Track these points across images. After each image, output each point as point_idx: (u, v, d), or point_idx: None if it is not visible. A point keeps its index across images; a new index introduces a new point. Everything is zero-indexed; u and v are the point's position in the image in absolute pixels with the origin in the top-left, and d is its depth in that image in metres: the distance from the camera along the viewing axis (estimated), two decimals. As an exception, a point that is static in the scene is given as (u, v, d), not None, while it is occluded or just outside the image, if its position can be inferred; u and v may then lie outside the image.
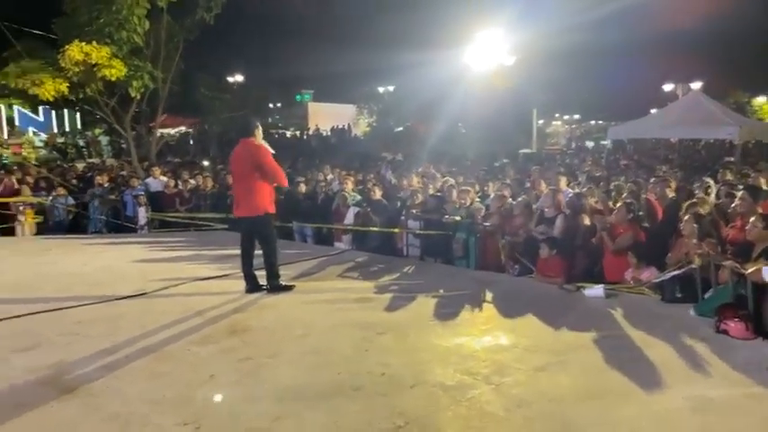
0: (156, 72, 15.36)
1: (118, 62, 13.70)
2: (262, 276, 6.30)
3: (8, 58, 14.81)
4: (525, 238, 7.27)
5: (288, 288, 6.27)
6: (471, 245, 7.73)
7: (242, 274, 6.32)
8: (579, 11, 22.78)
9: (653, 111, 24.78)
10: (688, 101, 16.31)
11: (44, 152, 24.75)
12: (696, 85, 25.28)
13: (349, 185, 9.76)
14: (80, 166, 18.21)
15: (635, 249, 6.21)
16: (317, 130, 36.58)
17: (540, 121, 39.44)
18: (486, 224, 7.71)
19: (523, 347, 4.57)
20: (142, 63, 14.82)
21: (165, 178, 12.92)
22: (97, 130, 26.11)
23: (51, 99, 14.48)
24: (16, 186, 11.96)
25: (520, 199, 7.98)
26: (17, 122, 28.71)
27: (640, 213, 6.76)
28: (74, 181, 13.69)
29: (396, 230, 8.53)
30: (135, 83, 14.47)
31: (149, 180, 12.90)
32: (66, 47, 13.37)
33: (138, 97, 15.57)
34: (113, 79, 13.99)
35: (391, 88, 39.50)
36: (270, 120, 37.06)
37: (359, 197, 9.44)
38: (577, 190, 8.50)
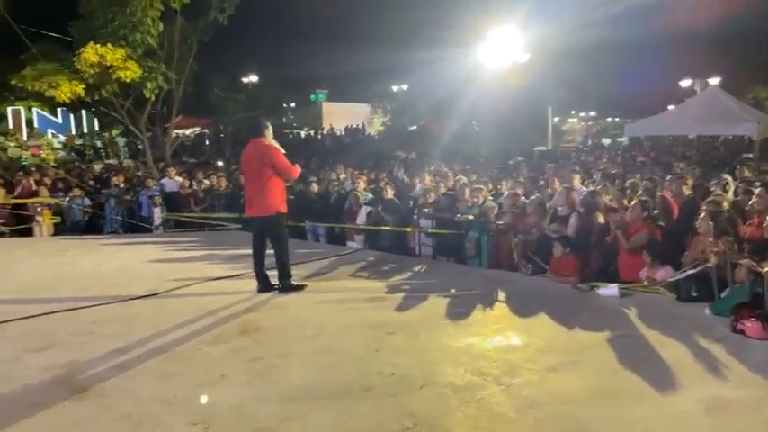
0: (170, 73, 15.48)
1: (132, 64, 13.83)
2: (274, 276, 6.31)
3: (25, 60, 14.98)
4: (538, 236, 7.21)
5: (299, 288, 6.28)
6: (484, 244, 7.68)
7: (254, 274, 6.34)
8: (594, 7, 22.54)
9: (670, 107, 24.46)
10: (706, 97, 16.05)
11: (62, 153, 25.10)
12: (714, 81, 24.91)
13: (361, 185, 9.76)
14: (97, 167, 18.42)
15: (650, 248, 6.12)
16: (331, 129, 36.62)
17: (556, 119, 39.14)
18: (499, 223, 7.67)
19: (535, 347, 4.52)
20: (156, 65, 14.95)
21: (179, 179, 13.03)
22: (114, 132, 26.40)
23: (67, 101, 14.64)
24: (34, 188, 12.14)
25: (533, 197, 7.92)
26: (36, 124, 29.16)
27: (655, 212, 6.67)
28: (91, 182, 13.84)
29: (408, 230, 8.50)
30: (149, 84, 14.61)
31: (165, 180, 13.01)
32: (82, 49, 13.53)
33: (153, 98, 15.70)
34: (128, 81, 14.12)
35: (405, 87, 39.42)
36: (284, 120, 37.19)
37: (371, 196, 9.43)
38: (592, 188, 8.40)
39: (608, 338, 4.63)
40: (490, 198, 8.55)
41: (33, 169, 14.75)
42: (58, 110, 27.12)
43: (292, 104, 41.45)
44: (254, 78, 30.05)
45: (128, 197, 12.45)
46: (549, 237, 6.97)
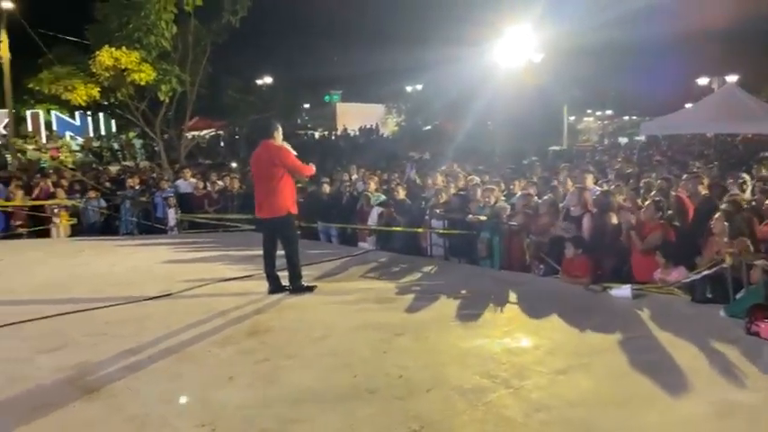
0: (184, 76, 15.61)
1: (147, 66, 13.97)
2: (285, 277, 6.32)
3: (42, 64, 15.20)
4: (551, 237, 7.14)
5: (310, 289, 6.29)
6: (496, 244, 7.62)
7: (265, 275, 6.36)
8: (610, 5, 22.29)
9: (688, 105, 24.16)
10: (723, 94, 15.81)
11: (80, 156, 25.42)
12: (732, 79, 24.55)
13: (372, 186, 9.75)
14: (114, 168, 18.64)
15: (663, 249, 6.03)
16: (345, 130, 36.69)
17: (572, 118, 38.84)
18: (512, 223, 7.61)
19: (545, 350, 4.48)
20: (170, 67, 15.08)
21: (194, 180, 13.13)
22: (131, 134, 26.69)
23: (83, 104, 14.82)
24: (51, 190, 12.30)
25: (545, 197, 7.84)
26: (55, 127, 29.60)
27: (669, 212, 6.57)
28: (107, 183, 13.99)
29: (419, 230, 8.48)
30: (163, 87, 14.74)
31: (179, 182, 13.11)
32: (97, 53, 13.70)
33: (167, 101, 15.84)
34: (143, 83, 14.27)
35: (419, 87, 39.36)
36: (299, 121, 37.32)
37: (383, 197, 9.42)
38: (605, 188, 8.30)
39: (619, 341, 4.57)
40: (503, 198, 8.50)
41: (51, 171, 14.97)
42: (76, 113, 27.48)
43: (307, 105, 41.58)
44: (268, 80, 30.19)
45: (143, 198, 12.57)
46: (562, 237, 6.89)
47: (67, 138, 28.31)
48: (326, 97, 47.89)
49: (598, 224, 6.91)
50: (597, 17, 22.41)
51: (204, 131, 24.85)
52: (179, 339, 4.88)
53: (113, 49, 13.64)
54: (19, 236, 11.57)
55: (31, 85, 14.72)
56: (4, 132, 23.92)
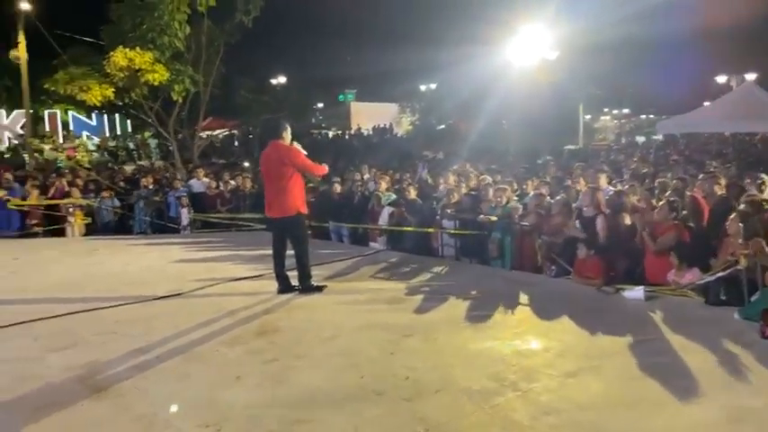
0: (197, 76, 15.70)
1: (160, 67, 14.07)
2: (294, 277, 6.32)
3: (57, 65, 15.37)
4: (564, 238, 7.06)
5: (319, 289, 6.28)
6: (507, 245, 7.57)
7: (274, 275, 6.36)
8: (626, 2, 22.02)
9: (706, 104, 23.82)
10: (742, 93, 15.55)
11: (96, 155, 25.69)
12: (750, 77, 24.16)
13: (383, 185, 9.72)
14: (129, 168, 18.81)
15: (677, 250, 5.93)
16: (359, 129, 36.69)
17: (588, 116, 38.49)
18: (524, 224, 7.54)
19: (555, 352, 4.43)
20: (183, 67, 15.18)
21: (207, 179, 13.19)
22: (146, 134, 26.91)
23: (98, 104, 14.97)
24: (66, 189, 12.43)
25: (558, 197, 7.76)
26: (72, 127, 29.93)
27: (684, 212, 6.46)
28: (121, 183, 14.12)
29: (430, 230, 8.43)
30: (177, 87, 14.84)
31: (192, 181, 13.19)
32: (111, 53, 13.82)
33: (181, 101, 15.94)
34: (156, 84, 14.37)
35: (433, 86, 39.25)
36: (313, 120, 37.41)
37: (394, 197, 9.39)
38: (619, 188, 8.20)
39: (631, 343, 4.50)
40: (515, 198, 8.42)
41: (66, 171, 15.13)
42: (93, 113, 27.77)
43: (320, 104, 41.65)
44: (282, 79, 30.28)
45: (156, 198, 12.66)
46: (574, 238, 6.81)
47: (84, 138, 28.62)
48: (341, 96, 47.94)
49: (611, 225, 6.82)
50: (614, 13, 22.15)
51: (218, 131, 24.98)
52: (188, 339, 4.89)
53: (127, 49, 13.76)
54: (35, 234, 11.72)
55: (46, 86, 14.90)
56: (21, 132, 24.24)
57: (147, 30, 14.24)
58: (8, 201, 11.59)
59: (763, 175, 8.67)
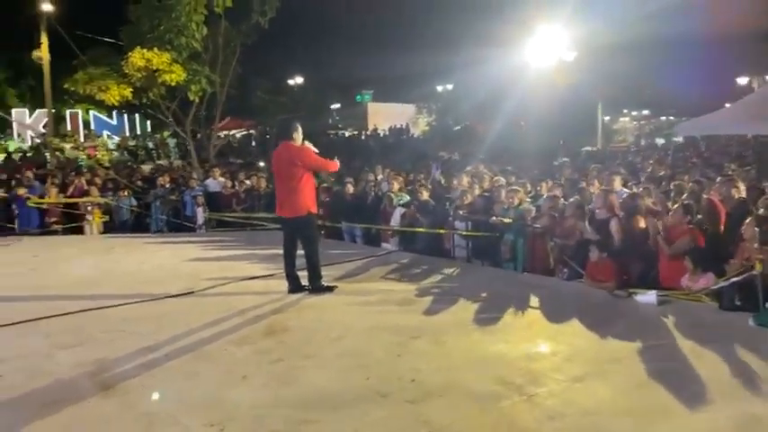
0: (214, 76, 15.84)
1: (177, 67, 14.24)
2: (305, 277, 6.34)
3: (77, 66, 15.61)
4: (576, 240, 6.99)
5: (330, 289, 6.29)
6: (519, 247, 7.52)
7: (285, 275, 6.38)
8: (645, 1, 21.75)
9: (727, 105, 23.41)
10: (763, 94, 15.26)
11: (116, 154, 26.04)
12: (774, 78, 23.69)
13: (396, 186, 9.71)
14: (148, 167, 19.03)
15: (692, 254, 5.84)
16: (375, 130, 36.73)
17: (607, 118, 38.12)
18: (536, 226, 7.48)
19: (563, 356, 4.38)
20: (200, 68, 15.33)
21: (223, 179, 13.30)
22: (165, 133, 27.22)
23: (116, 104, 15.18)
24: (85, 187, 12.62)
25: (572, 199, 7.69)
26: (93, 126, 30.40)
27: (698, 216, 6.36)
28: (139, 182, 14.29)
29: (442, 231, 8.41)
30: (193, 87, 15.00)
31: (209, 181, 13.31)
32: (129, 54, 14.01)
33: (197, 101, 16.10)
34: (173, 84, 14.53)
35: (450, 87, 39.16)
36: (330, 121, 37.52)
37: (407, 198, 9.37)
38: (634, 190, 8.10)
39: (641, 349, 4.44)
40: (528, 200, 8.36)
41: (85, 170, 15.36)
42: (113, 112, 28.17)
43: (338, 105, 41.76)
44: (299, 80, 30.44)
45: (172, 197, 12.78)
46: (587, 240, 6.74)
47: (104, 137, 29.04)
48: (358, 97, 48.02)
49: (624, 227, 6.74)
50: (632, 13, 21.91)
51: (235, 131, 25.19)
52: (197, 337, 4.93)
53: (145, 50, 13.93)
54: (54, 232, 11.91)
55: (66, 86, 15.14)
56: (43, 131, 24.65)
57: (165, 31, 14.42)
58: (28, 198, 11.79)
59: (784, 179, 8.53)
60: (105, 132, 29.86)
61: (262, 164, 17.97)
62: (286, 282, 6.35)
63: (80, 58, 15.50)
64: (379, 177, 11.44)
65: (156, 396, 3.83)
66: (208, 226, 12.12)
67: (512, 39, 20.13)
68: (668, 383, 3.76)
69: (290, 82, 29.24)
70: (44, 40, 18.33)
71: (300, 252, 6.33)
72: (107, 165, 19.69)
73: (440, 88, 40.97)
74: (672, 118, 48.21)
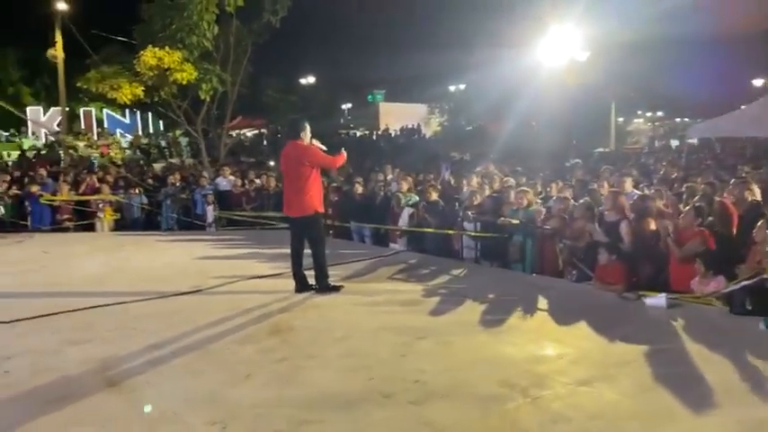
0: (225, 75, 15.90)
1: (189, 66, 14.29)
2: (312, 276, 6.34)
3: (90, 64, 15.73)
4: (586, 242, 6.93)
5: (336, 288, 6.29)
6: (528, 248, 7.47)
7: (292, 274, 6.39)
8: (659, 0, 21.49)
9: (743, 107, 23.13)
10: (779, 96, 15.08)
11: (129, 153, 26.26)
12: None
13: (404, 186, 9.68)
14: (160, 166, 19.15)
15: (703, 257, 5.76)
16: (386, 130, 36.70)
17: (620, 119, 37.80)
18: (546, 227, 7.43)
19: (570, 359, 4.34)
20: (211, 67, 15.38)
21: (233, 178, 13.35)
22: (177, 132, 27.39)
23: (128, 102, 15.27)
24: (97, 185, 12.72)
25: (581, 201, 7.62)
26: (106, 124, 30.69)
27: (710, 218, 6.28)
28: (150, 180, 14.38)
29: (450, 232, 8.37)
30: (204, 86, 15.06)
31: (219, 179, 13.36)
32: (141, 52, 14.09)
33: (209, 100, 16.16)
34: (184, 83, 14.60)
35: (462, 87, 39.04)
36: (341, 120, 37.55)
37: (416, 198, 9.34)
38: (645, 192, 8.01)
39: (648, 352, 4.38)
40: (538, 201, 8.31)
41: (97, 168, 15.49)
42: (126, 111, 28.41)
43: (349, 105, 41.79)
44: (311, 79, 30.50)
45: (183, 195, 12.85)
46: (596, 242, 6.68)
47: (117, 135, 29.29)
48: (369, 97, 48.02)
49: (634, 230, 6.67)
50: (646, 13, 21.67)
51: (246, 130, 25.28)
52: (203, 335, 4.95)
53: (157, 48, 14.01)
54: (66, 229, 12.03)
55: (79, 84, 15.27)
56: (57, 129, 24.91)
57: (177, 29, 14.48)
58: (41, 196, 11.91)
59: (798, 181, 8.40)
60: (118, 131, 30.14)
61: (272, 163, 18.02)
62: (293, 281, 6.36)
63: (93, 57, 15.61)
64: (389, 177, 11.42)
65: (160, 394, 3.83)
66: (218, 224, 12.17)
67: (524, 38, 19.99)
68: (676, 387, 3.71)
69: (302, 81, 29.32)
70: (59, 38, 18.51)
71: (308, 251, 6.33)
72: (119, 163, 19.83)
73: (452, 88, 40.86)
74: (686, 119, 47.72)
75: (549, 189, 9.27)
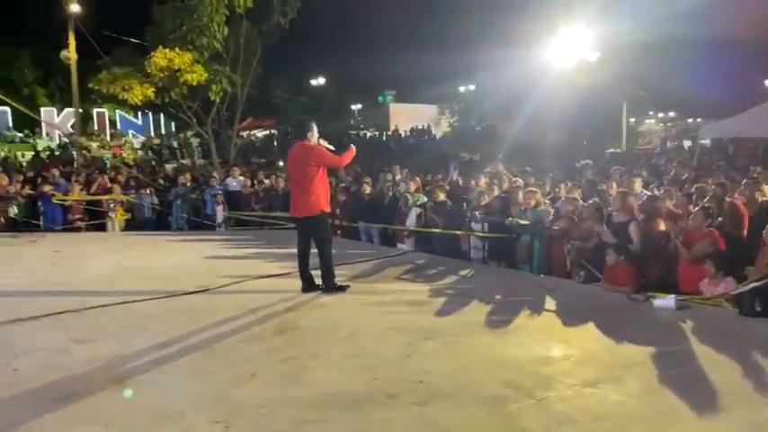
0: (235, 76, 15.98)
1: (199, 67, 14.39)
2: (318, 276, 6.35)
3: (101, 66, 15.87)
4: (594, 243, 6.89)
5: (342, 288, 6.29)
6: (536, 249, 7.43)
7: (299, 274, 6.40)
8: (671, 1, 21.30)
9: (756, 107, 22.84)
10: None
11: (141, 153, 26.45)
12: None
13: (412, 187, 9.67)
14: (171, 166, 19.28)
15: (713, 258, 5.71)
16: (396, 131, 36.68)
17: (632, 120, 37.52)
18: (554, 228, 7.39)
19: (575, 360, 4.31)
20: (221, 68, 15.47)
21: (242, 178, 13.42)
22: (189, 133, 27.55)
23: (139, 103, 15.39)
24: (108, 185, 12.83)
25: (590, 201, 7.57)
26: (119, 126, 30.94)
27: (719, 219, 6.21)
28: (161, 181, 14.49)
29: (457, 232, 8.35)
30: (214, 87, 15.15)
31: (229, 180, 13.44)
32: (152, 54, 14.20)
33: (218, 101, 16.25)
34: (195, 84, 14.69)
35: (472, 87, 38.95)
36: (351, 121, 37.56)
37: (424, 198, 9.33)
38: (654, 192, 7.95)
39: (655, 354, 4.34)
40: (546, 201, 8.27)
41: (109, 169, 15.62)
42: (139, 112, 28.63)
43: (359, 105, 41.80)
44: (321, 81, 30.54)
45: (193, 196, 12.93)
46: (604, 243, 6.63)
47: (130, 136, 29.52)
48: (380, 98, 48.02)
49: (643, 230, 6.61)
50: (659, 13, 21.48)
51: (256, 131, 25.38)
52: (208, 335, 4.96)
53: (167, 50, 14.11)
54: (78, 229, 12.14)
55: (90, 85, 15.41)
56: (71, 131, 25.14)
57: (187, 31, 14.59)
58: (53, 195, 12.03)
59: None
60: (131, 131, 30.36)
61: (281, 163, 18.09)
62: (300, 280, 6.37)
63: (104, 59, 15.75)
64: (398, 178, 11.42)
65: (164, 392, 3.85)
66: (227, 224, 12.24)
67: (535, 39, 19.93)
68: (683, 389, 3.67)
69: (312, 82, 29.37)
70: (72, 40, 18.69)
71: (314, 251, 6.34)
72: (131, 163, 19.99)
73: (462, 89, 40.78)
74: (699, 120, 47.25)
75: (557, 189, 9.23)
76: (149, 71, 14.44)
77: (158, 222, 12.83)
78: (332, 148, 6.46)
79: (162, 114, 27.94)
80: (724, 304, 5.38)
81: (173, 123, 29.22)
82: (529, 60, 20.81)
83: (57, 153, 24.49)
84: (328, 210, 6.31)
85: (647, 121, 50.95)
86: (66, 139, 26.65)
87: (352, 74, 35.67)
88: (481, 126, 33.71)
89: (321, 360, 4.37)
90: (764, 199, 7.12)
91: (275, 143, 30.57)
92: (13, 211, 11.83)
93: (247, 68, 16.85)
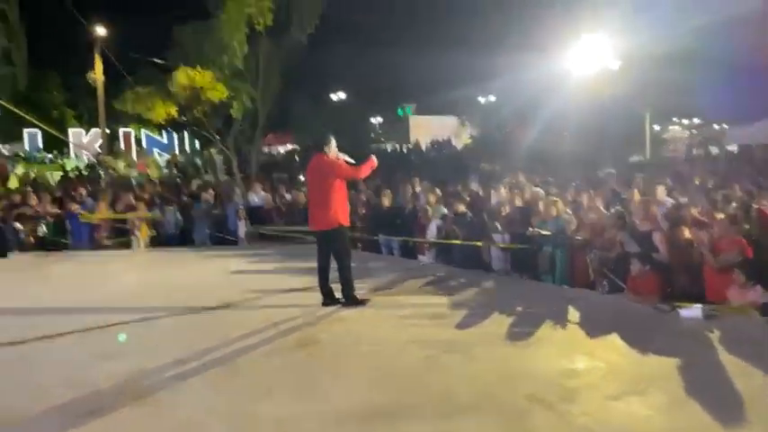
0: (255, 93, 16.19)
1: (220, 85, 14.61)
2: (338, 289, 6.35)
3: (125, 86, 16.23)
4: (617, 252, 6.79)
5: (362, 302, 6.27)
6: (558, 259, 7.34)
7: (319, 288, 6.41)
8: (699, 13, 21.00)
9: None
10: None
11: (166, 171, 26.86)
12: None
13: (432, 198, 9.65)
14: (196, 183, 19.51)
15: (742, 266, 5.57)
16: (417, 144, 36.67)
17: (657, 127, 37.00)
18: (577, 237, 7.30)
19: (600, 373, 4.23)
20: (242, 85, 15.69)
21: (264, 193, 13.53)
22: (212, 150, 27.92)
23: (162, 122, 15.66)
24: (133, 203, 13.03)
25: (613, 210, 7.48)
26: (144, 144, 31.51)
27: (746, 226, 6.08)
28: (185, 197, 14.66)
29: (478, 244, 8.29)
30: (236, 104, 15.36)
31: (251, 195, 13.56)
32: (174, 72, 14.48)
33: (240, 118, 16.47)
34: (216, 101, 14.91)
35: (493, 98, 38.85)
36: (372, 135, 37.68)
37: (444, 210, 9.30)
38: (679, 200, 7.82)
39: (682, 366, 4.23)
40: (568, 211, 8.17)
41: (135, 186, 15.89)
42: (164, 131, 29.13)
43: (380, 119, 41.94)
44: (341, 95, 30.76)
45: (216, 211, 13.06)
46: (628, 253, 6.53)
47: (155, 154, 30.03)
48: (399, 111, 48.08)
49: (668, 239, 6.50)
50: (680, 27, 21.23)
51: (281, 147, 25.62)
52: (229, 349, 4.99)
53: (189, 69, 14.38)
54: (104, 247, 12.34)
55: (114, 105, 15.75)
56: (99, 150, 25.66)
57: (208, 50, 14.85)
58: (80, 214, 12.26)
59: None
60: (156, 150, 30.89)
61: (302, 178, 18.21)
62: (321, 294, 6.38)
63: (128, 79, 16.11)
64: (417, 190, 11.40)
65: (185, 406, 3.87)
66: (249, 239, 12.32)
67: (557, 49, 19.85)
68: (708, 403, 3.57)
69: (332, 97, 29.60)
70: (98, 62, 19.14)
71: (334, 265, 6.35)
72: (155, 181, 20.30)
73: (482, 100, 40.68)
74: (725, 126, 46.40)
75: (580, 199, 9.11)
76: (171, 90, 14.71)
77: (182, 238, 12.95)
78: (351, 160, 6.46)
79: (186, 132, 28.38)
80: (752, 314, 5.24)
81: (197, 141, 29.67)
82: (551, 69, 20.72)
83: (85, 173, 25.00)
84: (347, 223, 6.31)
85: (670, 127, 50.18)
86: (93, 159, 27.22)
87: (372, 87, 35.85)
88: (502, 133, 33.49)
89: (340, 375, 4.36)
90: (793, 205, 6.94)
91: (296, 158, 30.89)
92: (42, 230, 12.09)
93: (268, 85, 17.07)
